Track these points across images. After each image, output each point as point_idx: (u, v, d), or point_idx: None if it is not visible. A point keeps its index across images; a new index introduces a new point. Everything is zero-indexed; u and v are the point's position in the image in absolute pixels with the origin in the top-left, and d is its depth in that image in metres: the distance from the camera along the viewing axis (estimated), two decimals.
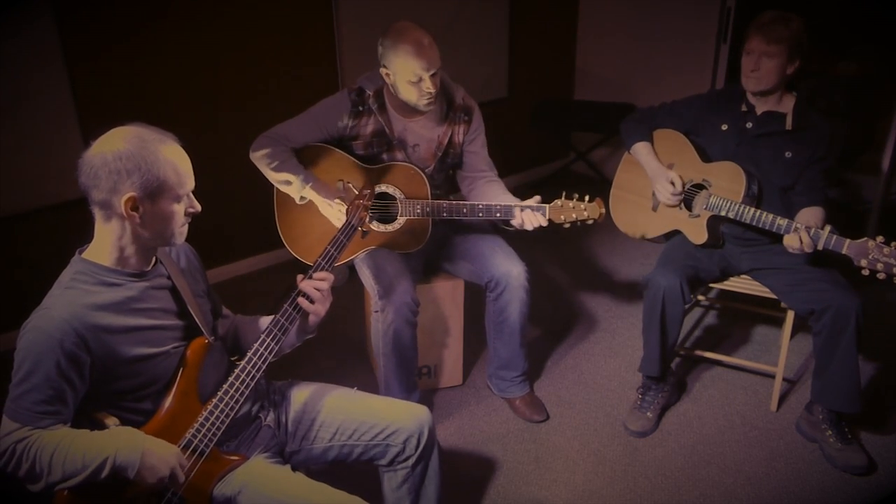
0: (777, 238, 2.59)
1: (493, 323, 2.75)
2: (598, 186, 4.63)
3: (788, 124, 2.56)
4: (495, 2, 4.24)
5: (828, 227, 2.35)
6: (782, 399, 2.87)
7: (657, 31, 4.31)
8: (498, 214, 2.46)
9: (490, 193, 2.62)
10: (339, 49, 3.70)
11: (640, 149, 2.80)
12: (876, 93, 3.99)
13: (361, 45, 3.75)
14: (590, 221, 2.44)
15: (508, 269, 2.61)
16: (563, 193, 2.45)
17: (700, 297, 3.36)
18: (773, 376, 2.85)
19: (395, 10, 3.80)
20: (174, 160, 1.56)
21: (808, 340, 2.78)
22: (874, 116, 3.94)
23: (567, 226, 2.46)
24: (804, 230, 2.35)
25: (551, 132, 4.78)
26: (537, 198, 2.45)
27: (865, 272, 2.27)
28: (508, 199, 2.53)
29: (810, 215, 2.50)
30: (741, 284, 2.75)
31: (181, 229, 1.63)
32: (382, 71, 2.45)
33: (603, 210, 2.43)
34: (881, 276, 2.23)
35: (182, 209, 1.61)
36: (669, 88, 3.69)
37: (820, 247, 2.34)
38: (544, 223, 2.43)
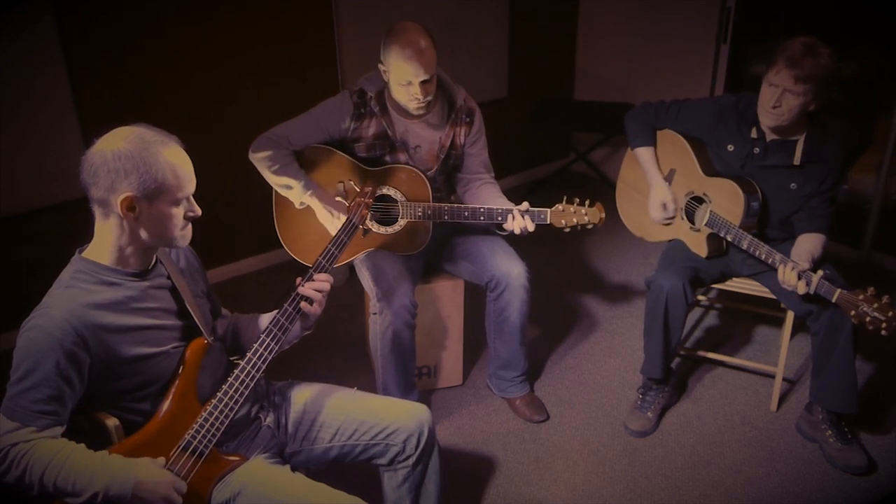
0: (778, 241, 2.59)
1: (493, 323, 2.75)
2: (598, 186, 4.64)
3: (797, 159, 2.48)
4: (495, 2, 4.24)
5: (820, 272, 2.32)
6: (782, 399, 2.86)
7: (657, 31, 4.31)
8: (499, 218, 2.46)
9: (484, 196, 2.62)
10: (339, 49, 3.70)
11: (642, 154, 2.77)
12: (876, 93, 3.98)
13: (361, 45, 3.75)
14: (590, 226, 2.45)
15: (509, 269, 2.61)
16: (564, 198, 2.46)
17: (700, 298, 3.36)
18: (773, 376, 2.85)
19: (395, 10, 3.80)
20: (174, 163, 1.56)
21: (807, 340, 2.78)
22: (874, 116, 3.94)
23: (567, 230, 2.46)
24: (794, 272, 2.32)
25: (551, 132, 4.78)
26: (525, 204, 2.44)
27: (855, 322, 2.27)
28: (503, 203, 2.53)
29: (810, 244, 2.48)
30: (741, 285, 2.75)
31: (182, 232, 1.63)
32: (381, 67, 2.45)
33: (603, 215, 2.44)
34: (870, 328, 2.22)
35: (181, 212, 1.60)
36: (669, 88, 3.69)
37: (811, 292, 2.32)
38: (531, 228, 2.43)
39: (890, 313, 2.18)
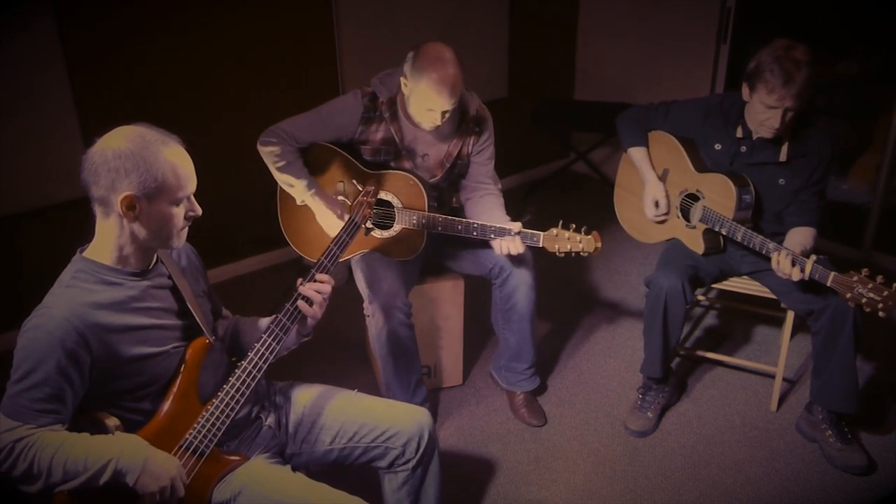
0: (776, 236, 2.59)
1: (500, 311, 2.72)
2: (598, 186, 4.64)
3: (783, 155, 2.50)
4: (495, 2, 4.24)
5: (813, 257, 2.32)
6: (782, 399, 2.87)
7: (657, 31, 4.31)
8: (492, 235, 2.45)
9: (483, 208, 2.61)
10: (340, 50, 3.70)
11: (635, 153, 2.79)
12: (876, 93, 3.99)
13: (361, 45, 3.76)
14: (584, 254, 2.40)
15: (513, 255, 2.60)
16: (560, 222, 2.41)
17: (700, 298, 3.36)
18: (773, 376, 2.85)
19: (395, 10, 3.81)
20: (175, 162, 1.56)
21: (807, 340, 2.78)
22: (874, 116, 3.94)
23: (561, 255, 2.43)
24: (788, 258, 2.32)
25: (551, 132, 4.78)
26: (517, 225, 2.43)
27: (851, 305, 2.26)
28: (498, 217, 2.53)
29: (801, 236, 2.48)
30: (741, 284, 2.75)
31: (180, 232, 1.63)
32: (402, 80, 2.41)
33: (599, 244, 2.38)
34: (867, 309, 2.22)
35: (181, 212, 1.60)
36: (669, 88, 3.70)
37: (806, 276, 2.32)
38: (520, 250, 2.42)
39: (885, 293, 2.18)
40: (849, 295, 2.24)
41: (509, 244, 2.43)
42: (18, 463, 1.46)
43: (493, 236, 2.45)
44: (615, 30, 4.53)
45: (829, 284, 2.28)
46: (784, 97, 2.32)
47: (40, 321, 1.50)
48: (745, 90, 2.46)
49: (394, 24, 3.83)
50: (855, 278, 2.23)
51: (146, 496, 1.51)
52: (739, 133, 2.55)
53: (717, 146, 2.60)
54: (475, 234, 2.47)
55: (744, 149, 2.55)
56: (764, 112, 2.39)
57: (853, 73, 4.07)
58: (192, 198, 1.62)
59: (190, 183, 1.60)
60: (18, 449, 1.46)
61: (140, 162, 1.51)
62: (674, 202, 2.74)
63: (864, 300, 2.21)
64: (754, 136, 2.53)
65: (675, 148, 2.71)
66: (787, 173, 2.52)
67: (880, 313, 2.19)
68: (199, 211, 1.64)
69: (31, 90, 2.93)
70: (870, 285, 2.20)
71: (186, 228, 1.65)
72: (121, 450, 1.49)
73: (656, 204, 2.75)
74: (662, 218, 2.76)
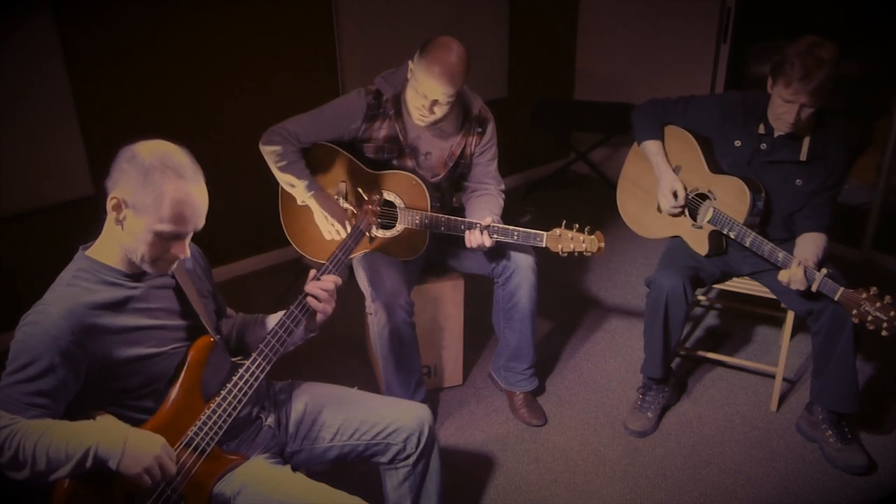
0: (780, 241, 2.59)
1: (502, 311, 2.73)
2: (598, 186, 4.64)
3: (803, 154, 2.49)
4: (495, 2, 4.24)
5: (824, 270, 2.32)
6: (782, 399, 2.87)
7: (657, 31, 4.31)
8: (495, 236, 2.45)
9: (474, 207, 2.62)
10: (339, 49, 3.70)
11: (650, 147, 2.76)
12: (876, 93, 3.99)
13: (361, 45, 3.76)
14: (588, 254, 2.39)
15: (516, 254, 2.61)
16: (563, 222, 2.41)
17: (700, 298, 3.36)
18: (773, 376, 2.85)
19: (395, 10, 3.81)
20: (176, 197, 1.52)
21: (808, 340, 2.78)
22: (874, 116, 3.94)
23: (564, 255, 2.43)
24: (801, 268, 2.33)
25: (551, 132, 4.78)
26: (489, 219, 2.43)
27: (856, 321, 2.27)
28: (482, 213, 2.52)
29: (813, 244, 2.48)
30: (741, 285, 2.75)
31: (157, 262, 1.59)
32: (409, 65, 2.42)
33: (602, 244, 2.37)
34: (871, 328, 2.22)
35: (163, 245, 1.56)
36: (669, 88, 3.69)
37: (814, 289, 2.32)
38: (489, 244, 2.43)
39: (892, 313, 2.19)
40: (854, 311, 2.24)
41: (477, 237, 2.43)
42: (4, 450, 1.44)
43: (495, 236, 2.45)
44: (615, 30, 4.54)
45: (836, 299, 2.29)
46: (799, 92, 2.33)
47: (37, 318, 1.50)
48: (769, 82, 2.46)
49: (394, 24, 3.83)
50: (863, 296, 2.23)
51: (133, 478, 1.48)
52: (762, 129, 2.54)
53: (737, 143, 2.59)
54: (463, 228, 2.47)
55: (764, 146, 2.54)
56: (781, 105, 2.40)
57: (853, 73, 4.07)
58: (186, 240, 1.59)
59: (183, 224, 1.55)
60: (3, 436, 1.45)
61: (143, 176, 1.51)
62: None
63: (869, 318, 2.22)
64: (775, 134, 2.52)
65: (691, 145, 2.69)
66: (805, 174, 2.51)
67: (884, 332, 2.20)
68: (186, 254, 1.60)
69: (31, 90, 2.93)
70: (877, 304, 2.21)
71: (173, 263, 1.62)
72: (99, 436, 1.48)
73: (675, 194, 2.70)
74: (678, 210, 2.73)
